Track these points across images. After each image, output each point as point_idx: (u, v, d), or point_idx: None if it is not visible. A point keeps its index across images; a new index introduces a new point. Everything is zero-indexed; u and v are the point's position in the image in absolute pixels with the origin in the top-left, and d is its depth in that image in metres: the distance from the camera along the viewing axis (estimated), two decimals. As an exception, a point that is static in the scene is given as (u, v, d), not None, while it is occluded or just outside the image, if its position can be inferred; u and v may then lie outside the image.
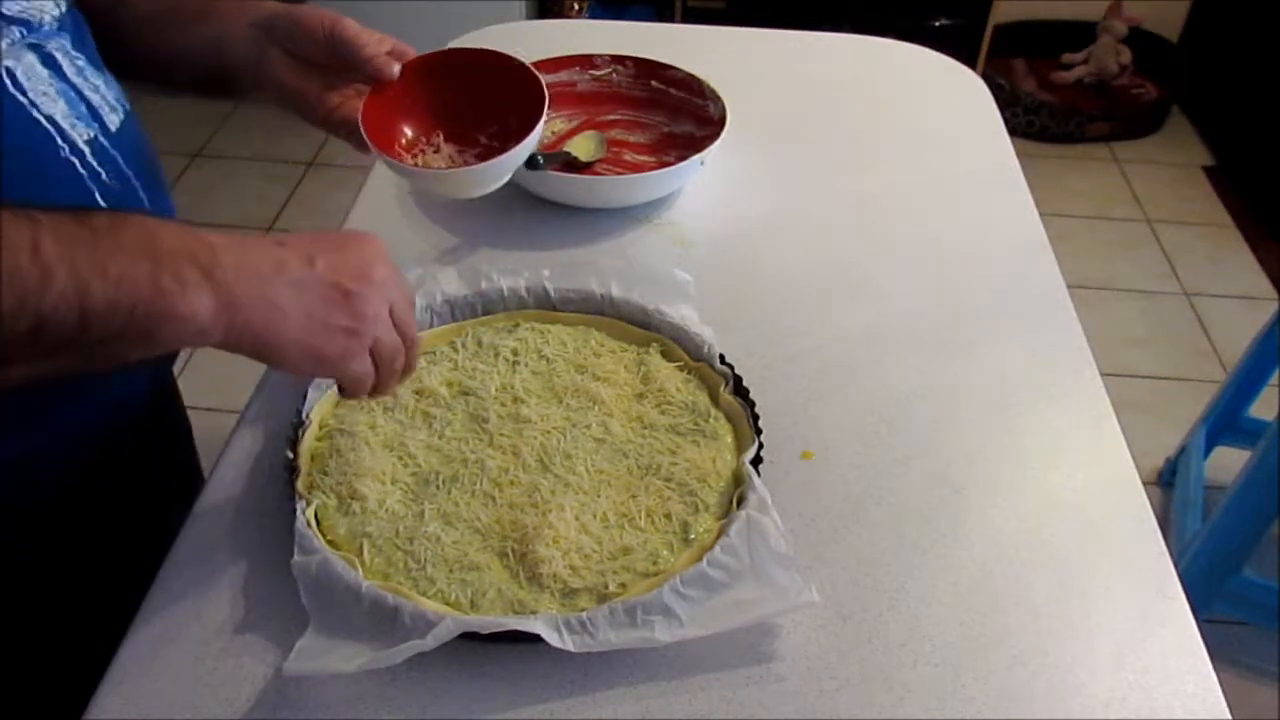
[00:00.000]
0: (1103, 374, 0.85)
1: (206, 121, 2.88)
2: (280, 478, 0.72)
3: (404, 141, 0.82)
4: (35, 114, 0.65)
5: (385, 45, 0.78)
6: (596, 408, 0.76)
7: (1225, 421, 1.89)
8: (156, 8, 0.79)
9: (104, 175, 0.69)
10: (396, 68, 0.78)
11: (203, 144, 2.81)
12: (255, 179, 2.72)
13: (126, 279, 0.50)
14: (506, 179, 0.82)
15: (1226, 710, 0.62)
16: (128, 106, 0.75)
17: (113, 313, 0.50)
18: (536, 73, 0.81)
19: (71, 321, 0.49)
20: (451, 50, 0.84)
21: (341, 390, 0.65)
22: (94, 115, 0.69)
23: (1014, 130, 1.27)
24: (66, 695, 0.63)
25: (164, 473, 0.89)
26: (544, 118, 0.78)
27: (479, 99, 0.82)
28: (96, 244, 0.50)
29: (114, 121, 0.72)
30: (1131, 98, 3.04)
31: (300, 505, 0.67)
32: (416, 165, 0.82)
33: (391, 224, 0.98)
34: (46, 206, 0.50)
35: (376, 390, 0.65)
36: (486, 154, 0.82)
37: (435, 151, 0.83)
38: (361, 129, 0.75)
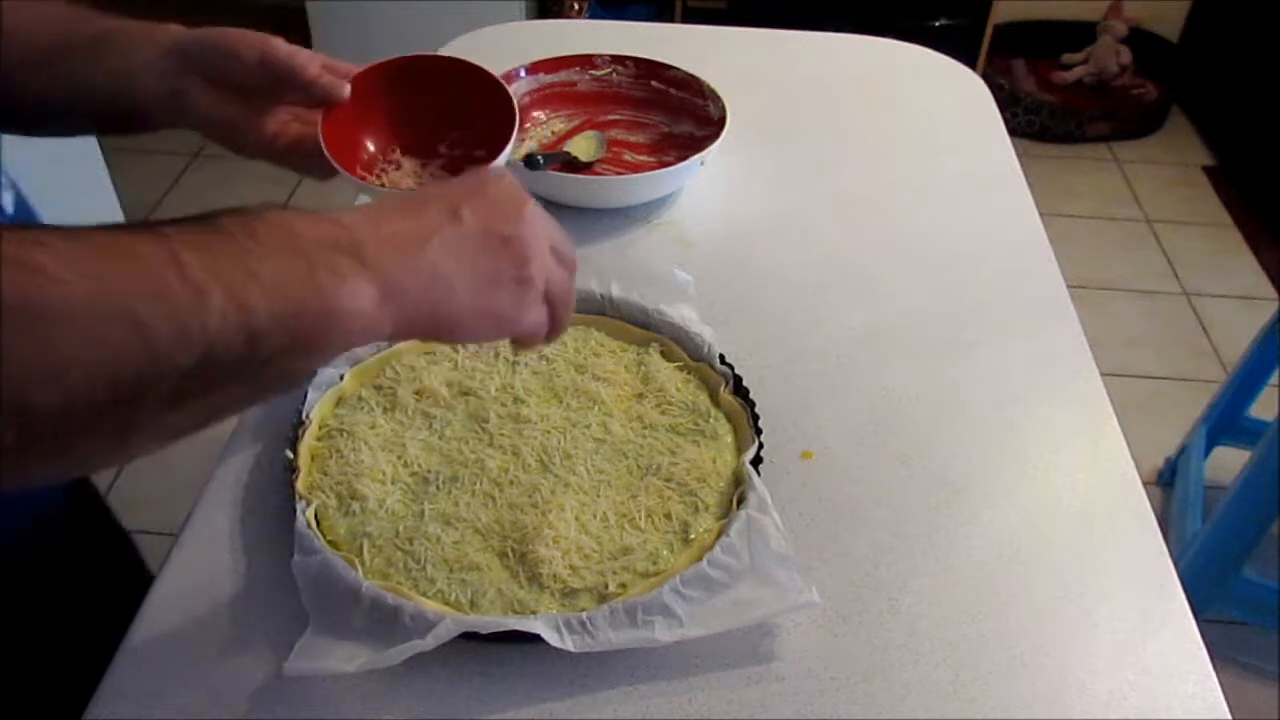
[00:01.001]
0: (1103, 374, 0.85)
1: (206, 121, 2.88)
2: (280, 478, 0.72)
3: (364, 160, 0.76)
4: None
5: (318, 61, 0.71)
6: (596, 408, 0.76)
7: (1225, 421, 1.89)
8: (40, 45, 0.68)
9: None
10: (347, 87, 0.71)
11: (202, 144, 2.81)
12: (255, 179, 2.71)
13: (283, 283, 0.44)
14: None
15: (1226, 710, 0.62)
16: (16, 185, 0.70)
17: (277, 323, 0.43)
18: (494, 75, 0.76)
19: (239, 343, 0.42)
20: (398, 60, 0.77)
21: (515, 343, 0.60)
22: None
23: (1014, 130, 1.27)
24: None
25: (99, 581, 0.84)
26: (517, 124, 0.74)
27: (432, 108, 0.77)
28: (238, 249, 0.43)
29: (7, 202, 0.67)
30: (1131, 98, 3.04)
31: (300, 505, 0.67)
32: (382, 184, 0.76)
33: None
34: (157, 220, 0.44)
35: (551, 335, 0.60)
36: (451, 165, 0.77)
37: (397, 168, 0.77)
38: (326, 154, 0.70)
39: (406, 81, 0.75)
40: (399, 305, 0.48)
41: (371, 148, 0.76)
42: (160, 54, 0.67)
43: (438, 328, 0.52)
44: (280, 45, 0.68)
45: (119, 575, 0.88)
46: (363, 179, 0.73)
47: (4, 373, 0.37)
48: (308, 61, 0.69)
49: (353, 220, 0.49)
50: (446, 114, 0.76)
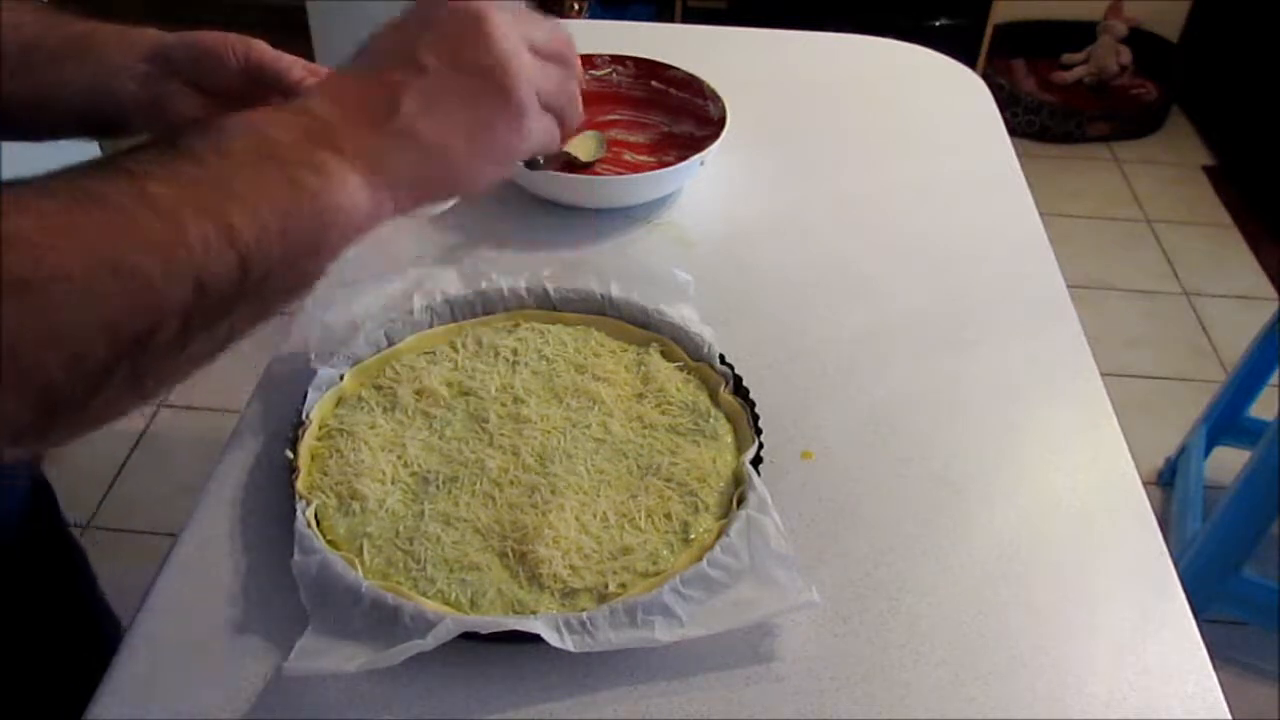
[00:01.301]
0: (1103, 374, 0.85)
1: (206, 121, 2.88)
2: (280, 478, 0.72)
3: None
4: None
5: (300, 66, 0.69)
6: (596, 408, 0.76)
7: (1225, 421, 1.89)
8: (13, 46, 0.66)
9: None
10: None
11: (203, 144, 2.80)
12: (255, 179, 2.72)
13: (263, 196, 0.42)
14: (451, 203, 0.76)
15: (1226, 710, 0.62)
16: None
17: (267, 236, 0.42)
18: None
19: (231, 266, 0.41)
20: None
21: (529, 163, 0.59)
22: None
23: (1014, 130, 1.27)
24: None
25: (64, 619, 0.84)
26: None
27: None
28: (208, 171, 0.42)
29: None
30: (1131, 98, 3.04)
31: (300, 505, 0.67)
32: None
33: (390, 224, 0.98)
34: (121, 153, 0.42)
35: (564, 136, 0.57)
36: None
37: None
38: None
39: None
40: (392, 184, 0.47)
41: None
42: (139, 58, 0.66)
43: (441, 190, 0.51)
44: (264, 49, 0.68)
45: (68, 577, 0.88)
46: None
47: (4, 349, 0.36)
48: (291, 65, 0.69)
49: (317, 104, 0.47)
50: None
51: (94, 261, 0.38)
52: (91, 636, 0.88)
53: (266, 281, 0.43)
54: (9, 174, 0.41)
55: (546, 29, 0.54)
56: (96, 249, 0.38)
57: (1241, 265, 2.57)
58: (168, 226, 0.40)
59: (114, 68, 0.66)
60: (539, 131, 0.53)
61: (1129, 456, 0.78)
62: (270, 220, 0.42)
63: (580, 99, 0.57)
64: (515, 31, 0.51)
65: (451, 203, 0.75)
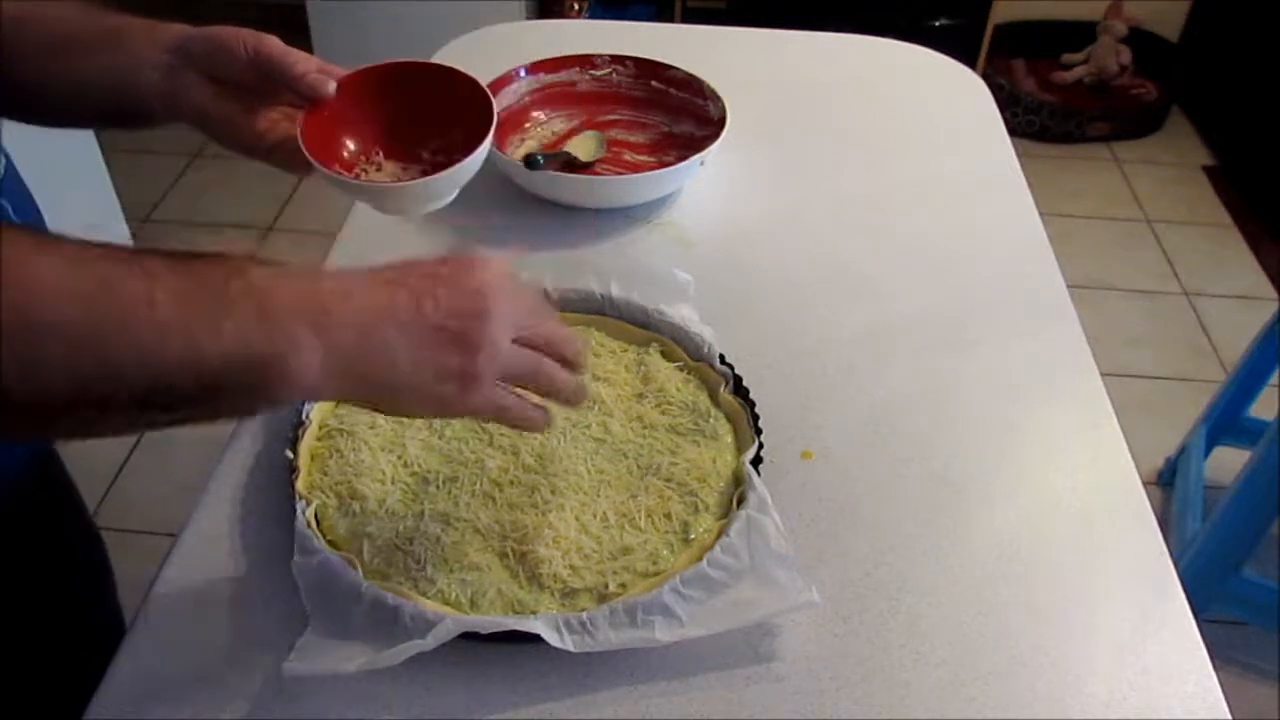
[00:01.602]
0: (1103, 374, 0.85)
1: (206, 121, 2.88)
2: (280, 478, 0.72)
3: (344, 158, 0.76)
4: None
5: (313, 64, 0.72)
6: (596, 408, 0.76)
7: (1225, 421, 1.89)
8: (55, 33, 0.72)
9: None
10: (333, 85, 0.72)
11: (202, 143, 2.80)
12: (255, 179, 2.72)
13: (240, 342, 0.49)
14: (452, 196, 0.77)
15: (1226, 710, 0.62)
16: (7, 154, 0.71)
17: (227, 373, 0.49)
18: (482, 85, 0.76)
19: (190, 382, 0.48)
20: (389, 64, 0.77)
21: (513, 425, 0.63)
22: None
23: (1014, 130, 1.27)
24: None
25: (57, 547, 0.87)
26: (492, 132, 0.73)
27: (420, 114, 0.77)
28: (210, 303, 0.48)
29: None
30: (1131, 98, 3.04)
31: (300, 505, 0.67)
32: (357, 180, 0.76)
33: (391, 224, 0.98)
34: (154, 251, 0.49)
35: (559, 398, 0.63)
36: (431, 171, 0.76)
37: (377, 170, 0.77)
38: (301, 145, 0.70)
39: (394, 86, 0.76)
40: (343, 377, 0.53)
41: (353, 147, 0.76)
42: (162, 49, 0.69)
43: (378, 401, 0.57)
44: (273, 43, 0.70)
45: (76, 542, 0.91)
46: (337, 174, 0.73)
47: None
48: (299, 59, 0.71)
49: (333, 290, 0.53)
50: (431, 120, 0.76)
51: (84, 330, 0.45)
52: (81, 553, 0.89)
53: (218, 401, 0.50)
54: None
55: (538, 313, 0.62)
56: (91, 321, 0.45)
57: (1241, 265, 2.57)
58: (153, 332, 0.47)
59: (139, 60, 0.70)
60: (480, 400, 0.58)
61: (1129, 456, 0.78)
62: (235, 363, 0.49)
63: (564, 384, 0.62)
64: (509, 313, 0.58)
65: (449, 199, 0.75)
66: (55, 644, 0.83)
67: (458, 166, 0.72)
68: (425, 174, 0.76)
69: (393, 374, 0.54)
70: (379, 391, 0.55)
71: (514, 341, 0.59)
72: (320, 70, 0.71)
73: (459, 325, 0.56)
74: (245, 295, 0.50)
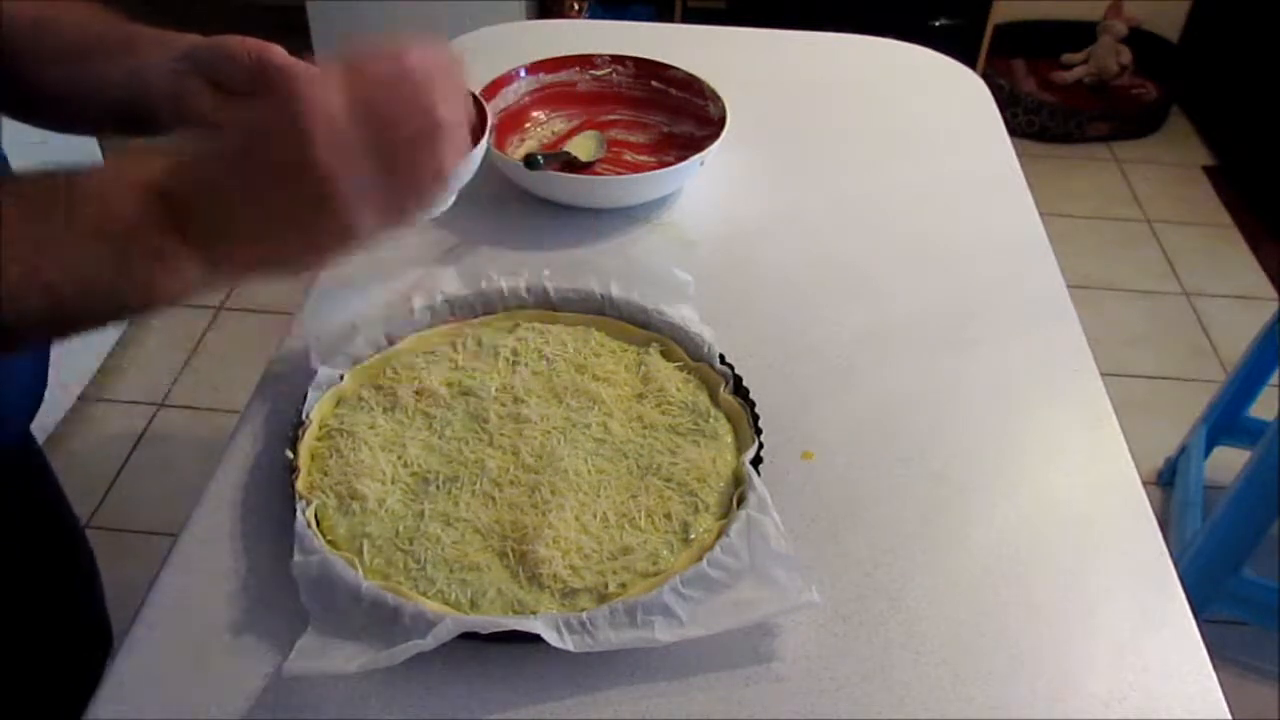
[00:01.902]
0: (1103, 374, 0.85)
1: (206, 121, 2.88)
2: (280, 478, 0.72)
3: None
4: None
5: (310, 70, 0.70)
6: (596, 408, 0.76)
7: (1225, 421, 1.89)
8: (76, 38, 0.73)
9: None
10: None
11: (203, 144, 2.80)
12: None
13: (90, 272, 0.49)
14: (448, 203, 0.76)
15: (1226, 710, 0.62)
16: (4, 155, 0.73)
17: (84, 299, 0.49)
18: (475, 94, 0.76)
19: (42, 307, 0.49)
20: None
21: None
22: None
23: (1014, 130, 1.27)
24: None
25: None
26: (486, 138, 0.73)
27: None
28: (51, 228, 0.48)
29: None
30: (1131, 98, 3.04)
31: (300, 505, 0.67)
32: None
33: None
34: (14, 177, 0.49)
35: (419, 193, 0.56)
36: None
37: None
38: None
39: None
40: (225, 261, 0.52)
41: None
42: (172, 57, 0.71)
43: (278, 267, 0.55)
44: (276, 52, 0.71)
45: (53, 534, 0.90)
46: None
47: None
48: (301, 70, 0.70)
49: (171, 182, 0.51)
50: None
51: None
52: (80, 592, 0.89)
53: (79, 323, 0.52)
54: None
55: (387, 78, 0.56)
56: None
57: (1241, 265, 2.57)
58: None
59: (150, 66, 0.71)
60: (368, 210, 0.53)
61: (1129, 456, 0.78)
62: (90, 289, 0.49)
63: (452, 131, 0.56)
64: (332, 119, 0.52)
65: (445, 205, 0.75)
66: (39, 650, 0.83)
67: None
68: None
69: (267, 235, 0.53)
70: (267, 254, 0.53)
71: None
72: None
73: (281, 157, 0.51)
74: (91, 219, 0.49)
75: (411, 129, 0.54)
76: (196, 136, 0.56)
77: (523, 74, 1.11)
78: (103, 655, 0.66)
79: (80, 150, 2.03)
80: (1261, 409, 1.89)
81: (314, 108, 0.51)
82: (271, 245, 0.53)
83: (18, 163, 0.76)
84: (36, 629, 0.85)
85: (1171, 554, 0.71)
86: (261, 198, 0.52)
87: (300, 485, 0.69)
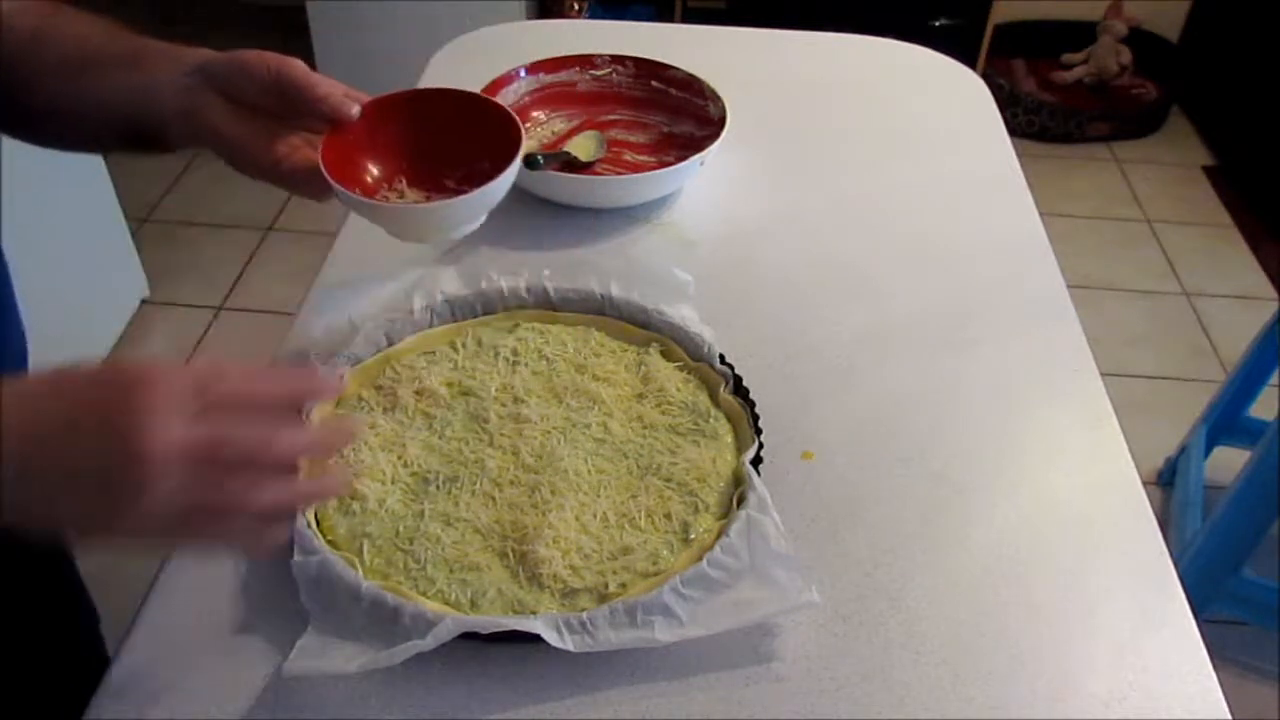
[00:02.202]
0: (1103, 374, 0.85)
1: (206, 121, 2.88)
2: (280, 478, 0.72)
3: (366, 183, 0.74)
4: None
5: (338, 88, 0.70)
6: (596, 408, 0.76)
7: (1225, 421, 1.89)
8: (77, 50, 0.70)
9: None
10: (356, 108, 0.70)
11: (203, 144, 2.80)
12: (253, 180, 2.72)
13: None
14: (476, 224, 0.74)
15: (1226, 710, 0.62)
16: None
17: None
18: (510, 111, 0.74)
19: None
20: (415, 91, 0.76)
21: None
22: None
23: (1014, 130, 1.27)
24: None
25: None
26: (520, 155, 0.71)
27: (445, 142, 0.75)
28: None
29: None
30: (1131, 98, 3.04)
31: (300, 505, 0.67)
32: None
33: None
34: None
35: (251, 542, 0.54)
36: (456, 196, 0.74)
37: (399, 197, 0.75)
38: (321, 166, 0.68)
39: (420, 112, 0.75)
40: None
41: (376, 173, 0.75)
42: (183, 71, 0.69)
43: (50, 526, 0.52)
44: (297, 65, 0.69)
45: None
46: (357, 196, 0.70)
47: None
48: (320, 82, 0.69)
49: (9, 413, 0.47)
50: (458, 148, 0.75)
51: None
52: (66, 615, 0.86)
53: None
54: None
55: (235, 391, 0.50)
56: None
57: (1241, 265, 2.57)
58: None
59: (159, 80, 0.69)
60: (174, 525, 0.49)
61: (1129, 456, 0.78)
62: None
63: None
64: (175, 413, 0.47)
65: (473, 227, 0.73)
66: (24, 678, 0.81)
67: (480, 190, 0.70)
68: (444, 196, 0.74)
69: (48, 506, 0.48)
70: (39, 517, 0.49)
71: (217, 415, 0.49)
72: (345, 94, 0.70)
73: (104, 445, 0.47)
74: None
75: (245, 463, 0.50)
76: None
77: (523, 74, 1.11)
78: (91, 690, 0.62)
79: (86, 165, 2.03)
80: (1261, 409, 1.89)
81: (154, 402, 0.47)
82: (54, 517, 0.49)
83: (20, 158, 0.75)
84: (23, 657, 0.82)
85: (1171, 554, 0.71)
86: (64, 476, 0.47)
87: (300, 485, 0.69)
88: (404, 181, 0.75)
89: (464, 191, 0.72)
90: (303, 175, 0.70)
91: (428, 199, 0.74)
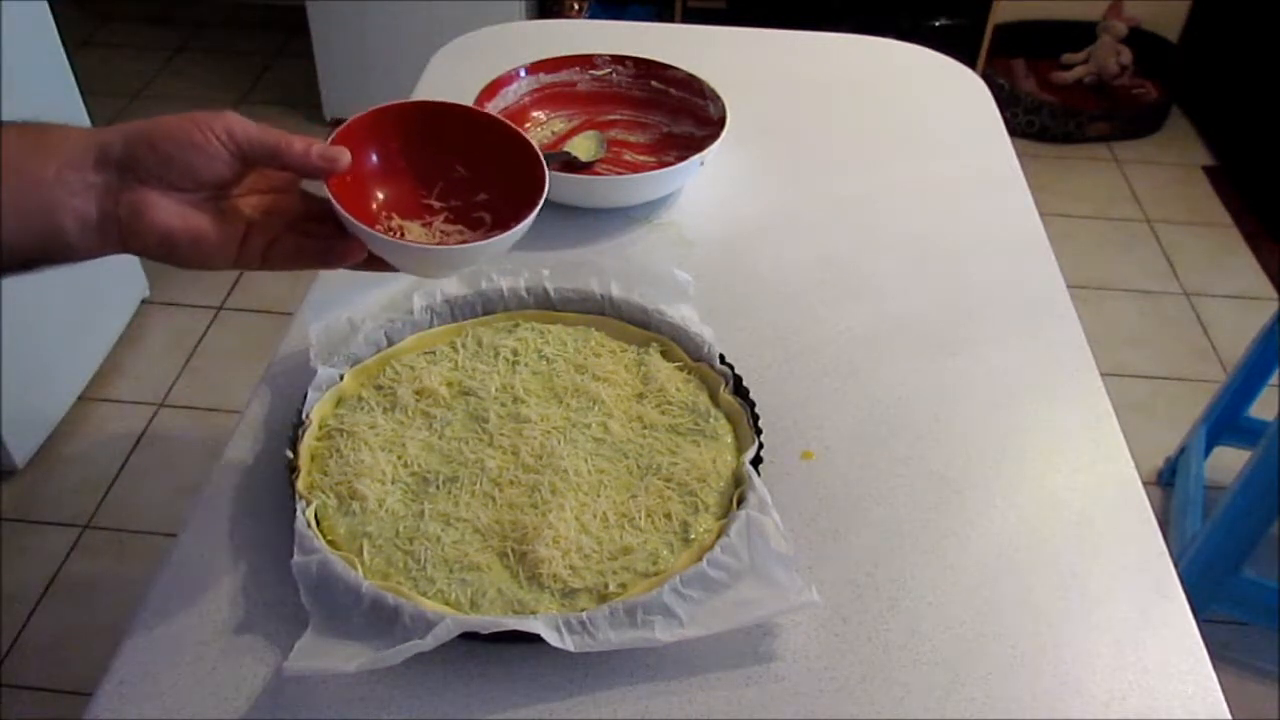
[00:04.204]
0: (1103, 374, 0.85)
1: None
2: (280, 478, 0.72)
3: (373, 211, 0.69)
4: None
5: (304, 139, 0.60)
6: (596, 408, 0.76)
7: (1225, 421, 1.89)
8: None
9: None
10: (346, 154, 0.62)
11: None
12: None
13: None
14: (507, 249, 0.68)
15: (1226, 710, 0.62)
16: None
17: None
18: (537, 148, 0.70)
19: None
20: (361, 117, 0.67)
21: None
22: None
23: (1014, 130, 1.27)
24: None
25: None
26: (545, 192, 0.67)
27: (429, 155, 0.70)
28: None
29: None
30: (1131, 98, 3.04)
31: (300, 505, 0.67)
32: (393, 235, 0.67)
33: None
34: None
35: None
36: (453, 221, 0.70)
37: (400, 236, 0.69)
38: (341, 215, 0.61)
39: (385, 132, 0.69)
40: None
41: (381, 197, 0.70)
42: (79, 167, 0.54)
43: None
44: (244, 124, 0.58)
45: None
46: (387, 236, 0.65)
47: None
48: (290, 138, 0.59)
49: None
50: (448, 161, 0.71)
51: None
52: None
53: None
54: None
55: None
56: None
57: (1241, 265, 2.57)
58: None
59: (41, 183, 0.53)
60: None
61: (1129, 456, 0.78)
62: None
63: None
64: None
65: (507, 249, 0.68)
66: None
67: (509, 233, 0.66)
68: (448, 224, 0.70)
69: None
70: None
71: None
72: (301, 142, 0.60)
73: None
74: None
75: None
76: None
77: (523, 74, 1.11)
78: None
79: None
80: (1261, 409, 1.89)
81: None
82: None
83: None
84: None
85: (1171, 554, 0.71)
86: None
87: (300, 485, 0.69)
88: (395, 217, 0.70)
89: (455, 207, 0.70)
90: (281, 253, 0.61)
91: (425, 226, 0.71)
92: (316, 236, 0.63)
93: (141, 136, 0.55)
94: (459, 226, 0.71)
